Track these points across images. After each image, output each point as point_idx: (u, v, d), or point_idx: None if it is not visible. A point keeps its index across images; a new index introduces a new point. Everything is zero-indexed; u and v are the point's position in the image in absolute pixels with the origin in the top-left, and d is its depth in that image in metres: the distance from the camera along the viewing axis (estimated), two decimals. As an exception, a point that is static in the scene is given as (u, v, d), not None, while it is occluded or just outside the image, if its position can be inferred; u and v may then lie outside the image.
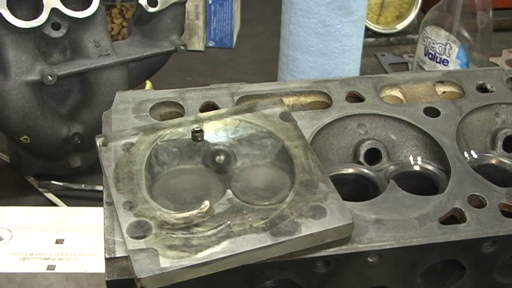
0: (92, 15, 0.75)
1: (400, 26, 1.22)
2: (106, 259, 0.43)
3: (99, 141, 0.50)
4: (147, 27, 0.82)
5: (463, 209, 0.48)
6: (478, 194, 0.50)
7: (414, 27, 1.22)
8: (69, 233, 0.66)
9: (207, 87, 0.59)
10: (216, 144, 0.51)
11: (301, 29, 0.85)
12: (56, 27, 0.74)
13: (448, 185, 0.51)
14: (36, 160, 0.81)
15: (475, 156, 0.58)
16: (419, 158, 0.56)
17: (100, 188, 0.79)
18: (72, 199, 0.80)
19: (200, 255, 0.41)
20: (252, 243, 0.43)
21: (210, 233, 0.43)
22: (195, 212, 0.44)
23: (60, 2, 0.73)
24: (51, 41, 0.74)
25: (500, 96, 0.61)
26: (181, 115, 0.56)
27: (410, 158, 0.56)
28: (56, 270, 0.62)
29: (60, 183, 0.81)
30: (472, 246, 0.47)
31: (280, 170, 0.50)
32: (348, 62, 0.88)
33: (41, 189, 0.81)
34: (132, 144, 0.50)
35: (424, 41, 0.98)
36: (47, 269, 0.62)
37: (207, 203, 0.44)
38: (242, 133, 0.52)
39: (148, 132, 0.51)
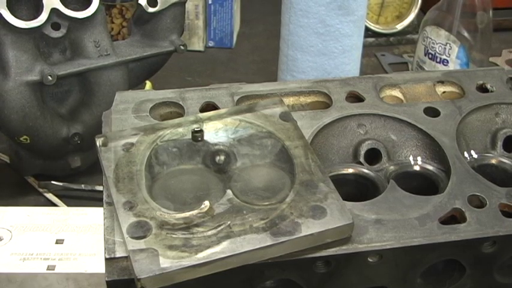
0: (91, 15, 0.75)
1: (400, 26, 1.22)
2: (106, 259, 0.43)
3: (99, 141, 0.50)
4: (147, 27, 0.82)
5: (463, 209, 0.48)
6: (478, 194, 0.50)
7: (414, 27, 1.22)
8: (69, 233, 0.66)
9: (207, 87, 0.59)
10: (216, 144, 0.51)
11: (301, 29, 0.85)
12: (56, 27, 0.74)
13: (448, 185, 0.51)
14: (36, 160, 0.81)
15: (475, 156, 0.58)
16: (419, 158, 0.56)
17: (100, 188, 0.79)
18: (72, 199, 0.80)
19: (200, 255, 0.41)
20: (252, 243, 0.43)
21: (210, 233, 0.43)
22: (195, 212, 0.44)
23: (60, 2, 0.73)
24: (51, 41, 0.74)
25: (500, 96, 0.61)
26: (181, 115, 0.56)
27: (410, 158, 0.57)
28: (56, 270, 0.62)
29: (60, 183, 0.81)
30: (472, 246, 0.47)
31: (280, 170, 0.50)
32: (348, 62, 0.88)
33: (41, 189, 0.81)
34: (132, 144, 0.50)
35: (424, 41, 0.98)
36: (47, 269, 0.62)
37: (207, 203, 0.44)
38: (242, 133, 0.52)
39: (148, 132, 0.51)
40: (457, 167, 0.52)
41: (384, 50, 1.21)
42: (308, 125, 0.55)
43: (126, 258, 0.43)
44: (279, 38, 0.91)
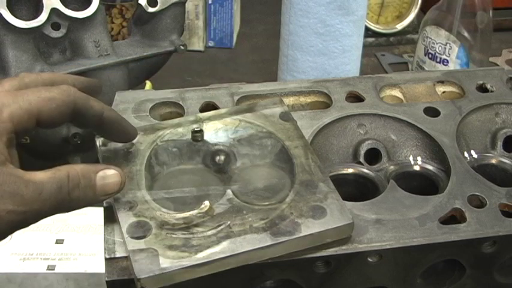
0: (91, 15, 0.75)
1: (400, 26, 1.22)
2: (106, 259, 0.43)
3: (99, 141, 0.50)
4: (147, 27, 0.82)
5: (463, 209, 0.48)
6: (478, 194, 0.50)
7: (414, 27, 1.22)
8: (69, 233, 0.66)
9: (207, 87, 0.59)
10: (216, 144, 0.51)
11: (301, 29, 0.85)
12: (56, 27, 0.74)
13: (448, 185, 0.51)
14: (36, 161, 0.81)
15: (475, 156, 0.58)
16: (419, 158, 0.56)
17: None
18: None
19: (200, 255, 0.41)
20: (252, 243, 0.43)
21: (210, 233, 0.43)
22: (195, 212, 0.44)
23: (60, 2, 0.73)
24: (51, 41, 0.74)
25: (500, 96, 0.61)
26: (181, 115, 0.56)
27: (410, 158, 0.56)
28: (56, 270, 0.62)
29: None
30: (472, 246, 0.47)
31: (280, 170, 0.50)
32: (348, 62, 0.88)
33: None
34: (132, 144, 0.50)
35: (424, 41, 0.98)
36: (47, 269, 0.62)
37: (207, 203, 0.44)
38: (242, 133, 0.52)
39: (148, 132, 0.51)
40: (457, 167, 0.52)
41: (384, 50, 1.20)
42: (308, 125, 0.55)
43: (126, 258, 0.43)
44: (279, 38, 0.91)
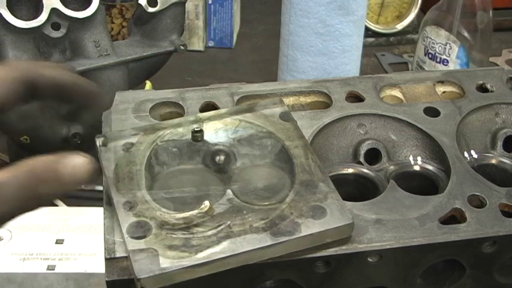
0: (91, 15, 0.75)
1: (400, 26, 1.22)
2: (106, 259, 0.43)
3: (99, 141, 0.50)
4: (147, 27, 0.82)
5: (463, 209, 0.48)
6: (478, 194, 0.50)
7: (414, 27, 1.22)
8: (69, 233, 0.66)
9: (207, 87, 0.59)
10: (216, 144, 0.51)
11: (301, 29, 0.85)
12: (56, 27, 0.74)
13: (448, 185, 0.51)
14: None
15: (475, 156, 0.58)
16: (419, 158, 0.56)
17: (100, 188, 0.78)
18: (72, 199, 0.80)
19: (200, 255, 0.41)
20: (252, 243, 0.43)
21: (210, 233, 0.43)
22: (195, 212, 0.44)
23: (60, 2, 0.73)
24: (51, 41, 0.74)
25: (500, 96, 0.61)
26: (181, 115, 0.56)
27: (410, 158, 0.56)
28: (56, 270, 0.62)
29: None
30: (472, 246, 0.47)
31: (280, 170, 0.50)
32: (348, 62, 0.88)
33: (40, 189, 0.81)
34: (132, 144, 0.50)
35: (424, 41, 0.98)
36: (47, 269, 0.62)
37: (207, 203, 0.44)
38: (242, 133, 0.52)
39: (148, 132, 0.51)
40: (457, 167, 0.52)
41: (384, 50, 1.21)
42: (308, 125, 0.55)
43: (126, 258, 0.43)
44: (279, 38, 0.91)
